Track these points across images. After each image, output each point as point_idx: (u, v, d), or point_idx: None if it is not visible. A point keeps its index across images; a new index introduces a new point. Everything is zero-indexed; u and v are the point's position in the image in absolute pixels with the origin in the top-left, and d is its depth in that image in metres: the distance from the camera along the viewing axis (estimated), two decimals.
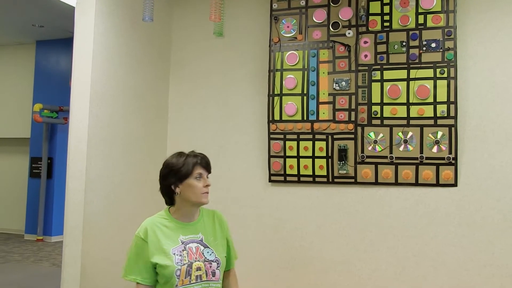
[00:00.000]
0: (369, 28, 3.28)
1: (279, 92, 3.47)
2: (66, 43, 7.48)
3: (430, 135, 3.10)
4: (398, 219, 3.17)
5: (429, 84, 3.12)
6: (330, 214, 3.35)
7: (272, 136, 3.49)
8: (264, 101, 3.55)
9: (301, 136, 3.40)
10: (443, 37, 3.10)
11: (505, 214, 2.94)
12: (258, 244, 3.49)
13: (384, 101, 3.21)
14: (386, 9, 3.25)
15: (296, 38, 3.46)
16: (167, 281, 1.88)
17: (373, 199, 3.24)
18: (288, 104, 3.44)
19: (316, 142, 3.36)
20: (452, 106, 3.06)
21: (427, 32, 3.14)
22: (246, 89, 3.66)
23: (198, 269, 1.91)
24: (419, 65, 3.15)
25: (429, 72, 3.12)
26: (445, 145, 3.06)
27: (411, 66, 3.16)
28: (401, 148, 3.16)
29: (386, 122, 3.20)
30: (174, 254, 1.89)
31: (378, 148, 3.21)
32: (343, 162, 3.28)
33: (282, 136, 3.46)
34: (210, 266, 1.94)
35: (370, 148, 3.23)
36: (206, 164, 2.02)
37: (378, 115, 3.22)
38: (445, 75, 3.08)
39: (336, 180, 3.31)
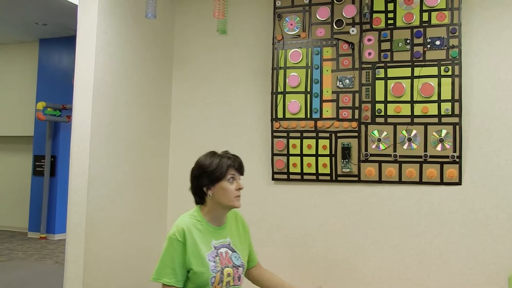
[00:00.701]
0: (373, 26, 3.25)
1: (282, 90, 3.45)
2: (69, 41, 7.49)
3: (434, 133, 3.08)
4: (402, 218, 3.16)
5: (433, 82, 3.09)
6: (333, 213, 3.33)
7: (275, 134, 3.47)
8: (267, 99, 3.54)
9: (305, 134, 3.38)
10: (448, 34, 3.07)
11: (509, 213, 2.91)
12: (260, 242, 3.46)
13: (388, 99, 3.19)
14: (390, 6, 3.22)
15: (299, 36, 3.44)
16: (200, 287, 1.84)
17: (377, 198, 3.22)
18: (292, 102, 3.42)
19: (319, 140, 3.34)
20: (456, 104, 3.03)
21: (431, 29, 3.11)
22: (249, 86, 3.65)
23: (228, 275, 1.89)
24: (423, 63, 3.12)
25: (434, 70, 3.09)
26: (449, 143, 3.04)
27: (415, 64, 3.14)
28: (405, 146, 3.14)
29: (390, 120, 3.18)
30: (209, 260, 1.86)
31: (382, 146, 3.19)
32: (346, 160, 3.26)
33: (285, 134, 3.44)
34: (237, 271, 1.93)
35: (373, 146, 3.21)
36: (239, 166, 1.98)
37: (382, 113, 3.20)
38: (450, 73, 3.06)
39: (339, 178, 3.29)
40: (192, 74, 3.87)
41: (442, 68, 3.07)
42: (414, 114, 3.12)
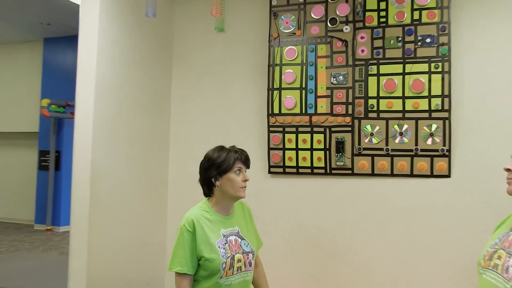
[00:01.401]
0: (366, 24, 3.23)
1: (278, 86, 3.43)
2: (72, 40, 7.40)
3: (424, 127, 3.07)
4: (394, 209, 3.15)
5: (424, 78, 3.08)
6: (328, 205, 3.32)
7: (271, 129, 3.45)
8: (263, 95, 3.51)
9: (300, 129, 3.37)
10: (438, 32, 3.06)
11: (496, 205, 2.89)
12: None
13: (380, 95, 3.17)
14: (383, 5, 3.20)
15: (295, 33, 3.41)
16: (213, 273, 1.86)
17: (370, 190, 3.21)
18: (287, 98, 3.40)
19: (314, 134, 3.33)
20: (446, 100, 3.02)
21: (422, 27, 3.10)
22: (246, 83, 3.63)
23: (239, 260, 1.91)
24: (414, 60, 3.10)
25: (424, 67, 3.08)
26: (439, 138, 3.03)
27: (406, 60, 3.12)
28: (397, 141, 3.12)
29: (382, 115, 3.16)
30: (219, 247, 1.88)
31: (374, 140, 3.18)
32: (340, 154, 3.25)
33: (281, 129, 3.42)
34: (248, 257, 1.95)
35: (366, 140, 3.20)
36: (245, 159, 2.01)
37: (375, 109, 3.18)
38: (440, 69, 3.04)
39: (333, 171, 3.28)
40: (191, 70, 3.85)
41: (433, 64, 3.06)
42: (406, 109, 3.11)
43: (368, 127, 3.20)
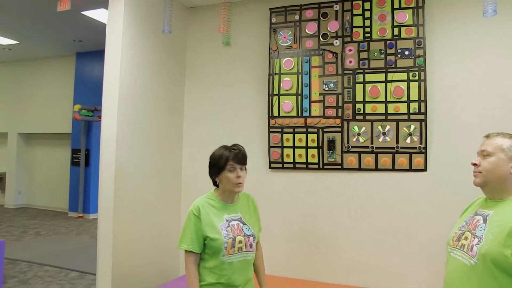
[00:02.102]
0: (353, 38, 3.19)
1: (277, 92, 3.39)
2: (100, 54, 7.38)
3: (404, 128, 3.02)
4: (377, 199, 3.11)
5: (403, 85, 3.03)
6: (321, 195, 3.28)
7: (271, 129, 3.41)
8: (264, 100, 3.48)
9: (296, 130, 3.33)
10: (415, 46, 3.02)
11: (465, 195, 2.79)
12: None
13: (366, 100, 3.13)
14: (367, 22, 3.16)
15: (291, 46, 3.37)
16: (216, 251, 1.84)
17: (357, 182, 3.17)
18: (285, 103, 3.36)
19: (309, 134, 3.28)
20: (422, 104, 2.99)
21: (401, 41, 3.06)
22: (250, 90, 3.59)
23: (240, 242, 1.88)
24: (395, 69, 3.06)
25: (403, 75, 3.04)
26: (417, 137, 2.99)
27: (388, 70, 3.08)
28: (380, 139, 3.08)
29: (367, 117, 3.12)
30: (222, 229, 1.86)
31: (361, 139, 3.14)
32: (331, 151, 3.20)
33: (280, 130, 3.38)
34: (248, 240, 1.91)
35: (354, 139, 3.15)
36: (235, 157, 1.92)
37: (361, 112, 3.14)
38: (417, 78, 3.00)
39: (325, 166, 3.24)
40: (201, 79, 3.81)
41: (411, 74, 3.02)
42: (388, 112, 3.07)
43: (356, 127, 3.16)
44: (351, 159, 3.16)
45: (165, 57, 3.62)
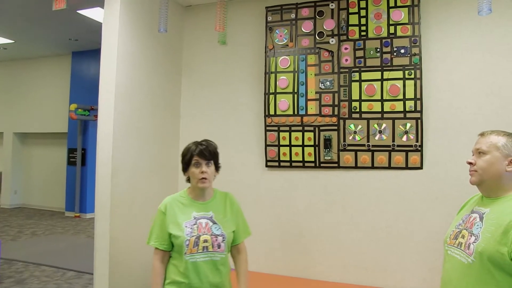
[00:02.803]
0: (349, 37, 3.18)
1: (273, 91, 3.38)
2: (96, 53, 7.34)
3: (400, 126, 3.02)
4: (374, 197, 3.11)
5: (399, 83, 3.03)
6: (317, 194, 3.28)
7: (268, 128, 3.40)
8: (261, 99, 3.47)
9: (293, 128, 3.32)
10: (410, 44, 3.02)
11: (461, 192, 2.81)
12: (256, 220, 3.41)
13: (362, 98, 3.13)
14: (363, 21, 3.16)
15: (287, 45, 3.36)
16: (179, 249, 1.83)
17: (353, 181, 3.17)
18: (282, 101, 3.35)
19: (305, 133, 3.28)
20: (418, 102, 2.98)
21: (397, 40, 3.05)
22: (246, 88, 3.58)
23: (205, 241, 1.83)
24: (390, 68, 3.06)
25: (399, 74, 3.03)
26: (413, 135, 2.99)
27: (384, 68, 3.08)
28: (377, 138, 3.08)
29: (364, 115, 3.12)
30: (186, 227, 1.83)
31: (357, 137, 3.13)
32: (328, 149, 3.20)
33: (276, 128, 3.37)
34: (216, 240, 1.85)
35: (350, 137, 3.15)
36: (201, 152, 1.88)
37: (357, 110, 3.14)
38: (412, 76, 3.00)
39: (322, 165, 3.24)
40: (198, 78, 3.80)
41: (406, 72, 3.01)
42: (384, 110, 3.07)
43: (352, 126, 3.15)
44: (347, 157, 3.16)
45: (161, 55, 3.60)
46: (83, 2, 5.47)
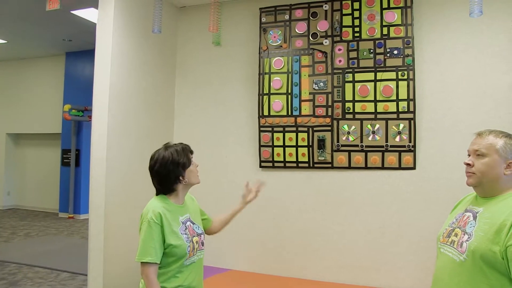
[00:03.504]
0: (343, 38, 3.19)
1: (267, 92, 3.38)
2: (90, 53, 7.31)
3: (393, 126, 3.04)
4: (367, 197, 3.12)
5: (392, 84, 3.05)
6: (311, 194, 3.28)
7: (262, 129, 3.41)
8: (255, 100, 3.47)
9: (286, 129, 3.32)
10: (403, 45, 3.03)
11: (453, 192, 2.84)
12: (251, 220, 3.41)
13: (355, 99, 3.14)
14: (357, 22, 3.17)
15: (281, 46, 3.37)
16: (180, 257, 1.76)
17: (347, 181, 3.18)
18: (275, 102, 3.35)
19: (299, 133, 3.28)
20: (411, 103, 3.00)
21: (390, 41, 3.07)
22: (240, 89, 3.57)
23: (196, 242, 1.83)
24: (384, 69, 3.07)
25: (392, 75, 3.05)
26: (406, 135, 3.00)
27: (377, 69, 3.09)
28: (370, 138, 3.09)
29: (357, 116, 3.13)
30: (182, 234, 1.79)
31: (351, 138, 3.14)
32: (321, 150, 3.21)
33: (270, 129, 3.37)
34: (200, 238, 1.87)
35: (344, 138, 3.16)
36: (190, 149, 1.98)
37: (351, 111, 3.14)
38: (405, 77, 3.02)
39: (316, 165, 3.24)
40: (192, 79, 3.79)
41: (399, 73, 3.03)
42: (377, 111, 3.08)
43: (345, 126, 3.16)
44: (341, 158, 3.17)
45: (155, 56, 3.59)
46: (77, 3, 5.44)
